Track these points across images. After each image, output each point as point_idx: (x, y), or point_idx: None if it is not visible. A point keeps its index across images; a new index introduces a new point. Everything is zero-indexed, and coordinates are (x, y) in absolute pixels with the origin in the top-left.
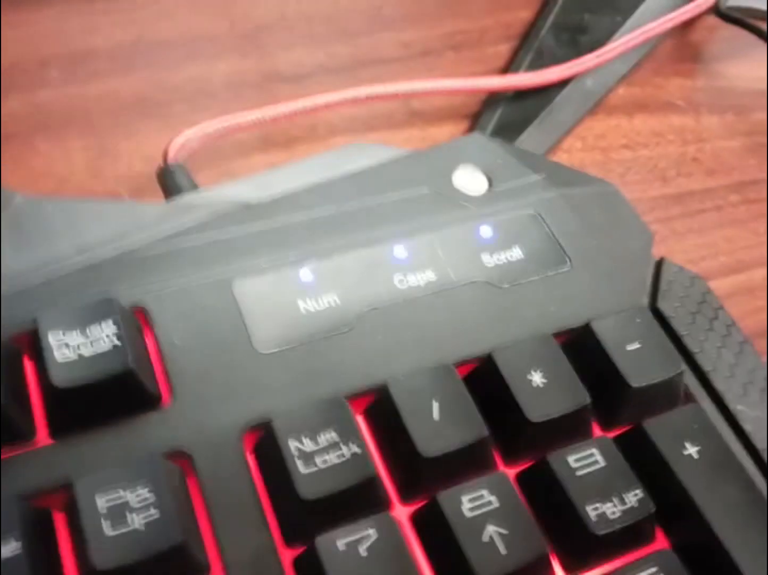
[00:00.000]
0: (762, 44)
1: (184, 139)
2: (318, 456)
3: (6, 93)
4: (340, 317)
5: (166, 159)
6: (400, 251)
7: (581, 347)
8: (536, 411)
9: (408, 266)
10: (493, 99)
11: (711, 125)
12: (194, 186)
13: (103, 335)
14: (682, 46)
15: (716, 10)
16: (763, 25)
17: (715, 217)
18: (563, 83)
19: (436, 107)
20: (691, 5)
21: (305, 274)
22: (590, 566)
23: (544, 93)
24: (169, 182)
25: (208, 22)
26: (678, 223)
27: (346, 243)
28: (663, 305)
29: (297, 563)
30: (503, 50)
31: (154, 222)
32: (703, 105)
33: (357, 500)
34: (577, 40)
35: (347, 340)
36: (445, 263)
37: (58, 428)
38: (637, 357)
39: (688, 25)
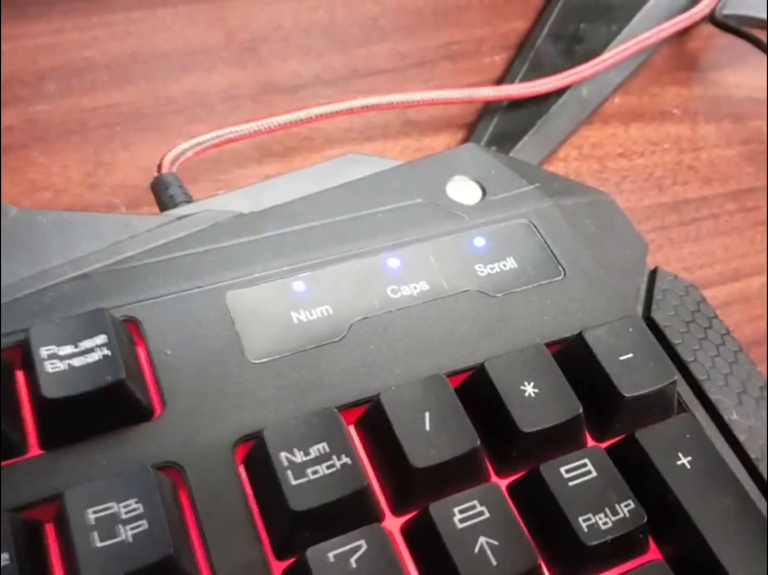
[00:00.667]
0: (758, 52)
1: (178, 152)
2: (308, 467)
3: (4, 105)
4: (332, 327)
5: (161, 171)
6: (393, 261)
7: (574, 357)
8: (528, 422)
9: (401, 276)
10: (488, 109)
11: (707, 134)
12: (188, 197)
13: (94, 347)
14: (679, 54)
15: (712, 19)
16: (759, 33)
17: (712, 225)
18: (559, 93)
19: (432, 117)
20: (686, 14)
21: (298, 284)
22: None
23: (540, 102)
24: (163, 193)
25: (204, 34)
26: (674, 231)
27: (339, 253)
28: (657, 315)
29: None
30: (499, 60)
31: (146, 234)
32: (700, 113)
33: (348, 511)
34: (573, 49)
35: (339, 350)
36: (438, 272)
37: (49, 440)
38: (629, 367)
39: (684, 33)
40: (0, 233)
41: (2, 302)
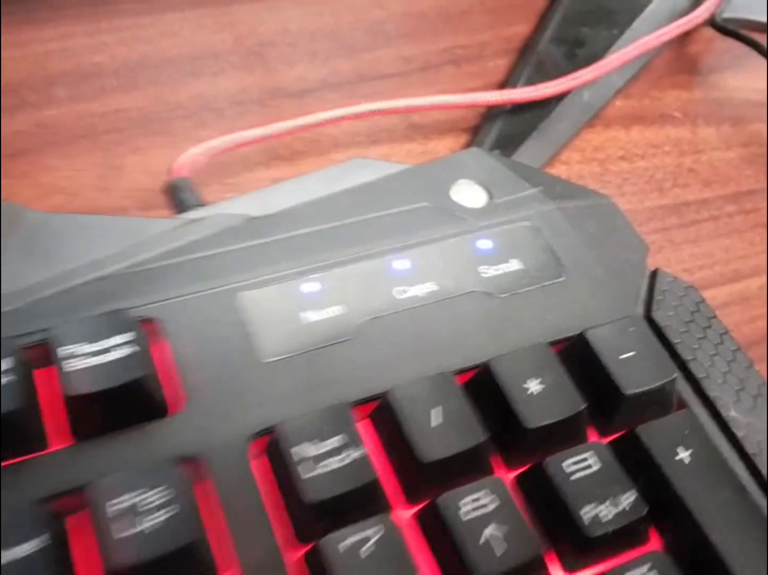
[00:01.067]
0: (758, 55)
1: (189, 156)
2: (321, 461)
3: (14, 111)
4: (341, 327)
5: (173, 175)
6: (400, 263)
7: (577, 356)
8: (533, 418)
9: (408, 277)
10: (492, 113)
11: (707, 136)
12: (200, 201)
13: (115, 346)
14: (679, 57)
15: (712, 23)
16: (758, 36)
17: (712, 227)
18: (561, 96)
19: (436, 121)
20: (686, 18)
21: (307, 286)
22: (585, 566)
23: (542, 106)
24: (176, 197)
25: (212, 39)
26: (674, 233)
27: (347, 256)
28: (657, 315)
29: (303, 563)
30: (502, 64)
31: (160, 237)
32: (700, 116)
33: (359, 502)
34: (575, 53)
35: (349, 349)
36: (444, 274)
37: (75, 435)
38: (630, 365)
39: (684, 37)
40: (12, 236)
41: (22, 303)
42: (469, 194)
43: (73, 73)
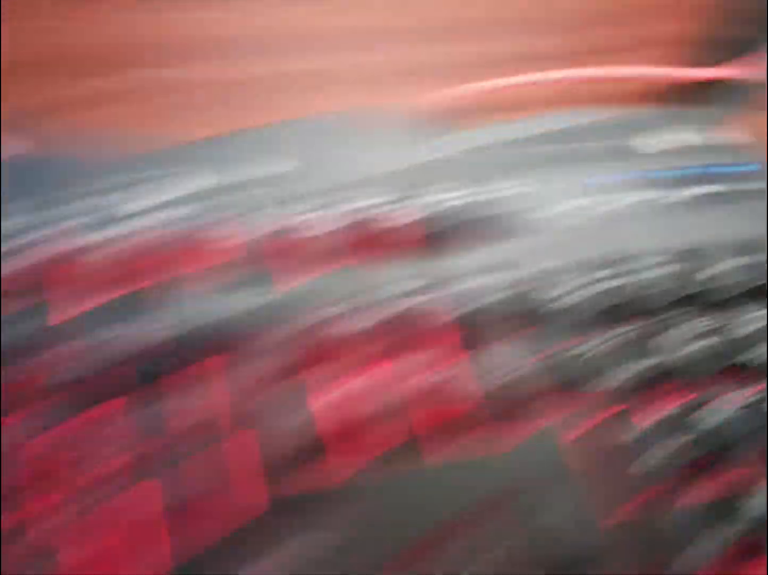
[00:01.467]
0: None
1: (438, 97)
2: None
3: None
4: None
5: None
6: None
7: None
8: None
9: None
10: (668, 90)
11: None
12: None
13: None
14: None
15: None
16: None
17: None
18: (724, 83)
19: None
20: None
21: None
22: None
23: (703, 90)
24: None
25: (394, 17)
26: None
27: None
28: None
29: None
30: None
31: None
32: None
33: None
34: (734, 48)
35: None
36: (655, 193)
37: None
38: None
39: None
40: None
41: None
42: (671, 138)
43: (265, 34)
